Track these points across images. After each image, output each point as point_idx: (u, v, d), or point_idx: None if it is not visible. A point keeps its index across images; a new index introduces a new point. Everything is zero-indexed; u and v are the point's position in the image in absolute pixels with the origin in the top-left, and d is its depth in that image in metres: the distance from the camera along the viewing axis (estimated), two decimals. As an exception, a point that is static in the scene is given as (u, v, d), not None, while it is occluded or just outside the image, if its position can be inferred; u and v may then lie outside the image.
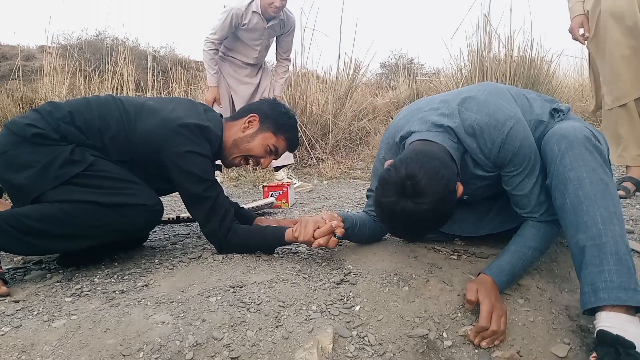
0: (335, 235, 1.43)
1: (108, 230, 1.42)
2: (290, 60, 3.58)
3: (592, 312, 1.12)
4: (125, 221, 1.42)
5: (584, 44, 2.58)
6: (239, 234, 1.54)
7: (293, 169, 4.31)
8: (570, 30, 2.56)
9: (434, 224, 1.17)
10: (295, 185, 3.21)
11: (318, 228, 1.42)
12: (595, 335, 1.09)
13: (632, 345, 1.02)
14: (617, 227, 1.15)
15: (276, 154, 1.71)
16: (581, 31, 2.51)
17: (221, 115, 1.73)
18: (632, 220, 1.93)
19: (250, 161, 1.71)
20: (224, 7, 3.16)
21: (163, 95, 6.38)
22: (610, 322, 1.07)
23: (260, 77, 3.48)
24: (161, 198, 1.54)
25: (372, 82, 8.41)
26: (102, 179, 1.41)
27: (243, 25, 3.15)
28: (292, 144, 1.74)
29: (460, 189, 1.19)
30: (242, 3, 3.11)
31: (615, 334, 1.04)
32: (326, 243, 1.41)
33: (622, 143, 2.46)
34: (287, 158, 3.30)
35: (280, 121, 1.68)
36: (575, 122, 1.35)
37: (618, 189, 2.00)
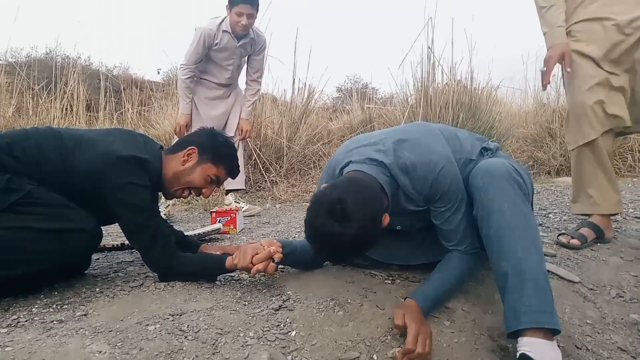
0: (274, 261, 1.48)
1: (46, 256, 1.43)
2: (259, 83, 3.56)
3: (515, 335, 1.23)
4: (63, 246, 1.44)
5: (545, 86, 2.10)
6: (180, 263, 1.57)
7: (245, 192, 4.33)
8: (546, 60, 2.04)
9: (357, 248, 1.25)
10: (243, 209, 3.23)
11: (257, 254, 1.48)
12: (517, 358, 1.19)
13: None
14: (535, 256, 1.27)
15: (218, 183, 1.77)
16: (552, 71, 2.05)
17: (161, 147, 1.77)
18: (556, 244, 2.08)
19: (192, 192, 1.75)
20: (195, 29, 3.20)
21: (115, 116, 6.29)
22: (531, 347, 1.17)
23: (233, 99, 3.51)
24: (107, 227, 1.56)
25: (328, 106, 8.57)
26: (40, 205, 1.43)
27: (215, 46, 3.19)
28: (232, 172, 1.79)
29: (386, 219, 1.28)
30: (212, 23, 3.16)
31: (535, 359, 1.15)
32: (264, 268, 1.46)
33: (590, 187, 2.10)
34: (238, 183, 3.34)
35: (219, 151, 1.74)
36: (500, 159, 1.48)
37: (573, 237, 2.05)
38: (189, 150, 1.70)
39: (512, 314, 1.23)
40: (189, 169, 1.69)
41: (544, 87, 2.11)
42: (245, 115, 3.48)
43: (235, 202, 3.42)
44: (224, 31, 3.16)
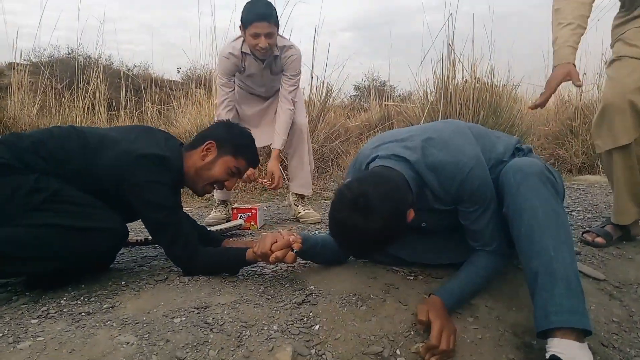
0: (293, 250, 1.49)
1: (74, 253, 1.46)
2: (291, 102, 2.78)
3: (544, 335, 1.20)
4: (91, 244, 1.47)
5: (542, 105, 1.88)
6: (203, 258, 1.60)
7: (301, 197, 4.35)
8: (549, 81, 1.84)
9: (380, 243, 1.24)
10: (299, 214, 2.93)
11: (276, 242, 1.48)
12: (547, 358, 1.16)
13: None
14: (568, 255, 1.24)
15: (239, 175, 1.78)
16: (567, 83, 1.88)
17: (181, 144, 1.79)
18: (580, 242, 2.05)
19: (216, 186, 1.77)
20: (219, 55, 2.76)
21: (135, 115, 6.37)
22: (562, 348, 1.15)
23: (272, 98, 2.95)
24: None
25: (346, 104, 8.57)
26: (68, 204, 1.46)
27: (243, 71, 2.73)
28: (253, 162, 1.82)
29: (411, 215, 1.27)
30: (234, 47, 2.66)
31: None
32: (283, 256, 1.46)
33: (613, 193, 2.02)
34: (303, 187, 2.95)
35: (237, 142, 1.76)
36: (533, 158, 1.46)
37: (598, 235, 2.01)
38: (207, 144, 1.72)
39: (542, 314, 1.20)
40: (209, 163, 1.72)
41: (534, 107, 1.90)
42: (276, 145, 2.76)
43: (294, 204, 3.00)
44: (245, 53, 2.66)
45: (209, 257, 1.62)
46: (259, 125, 2.92)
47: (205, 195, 1.85)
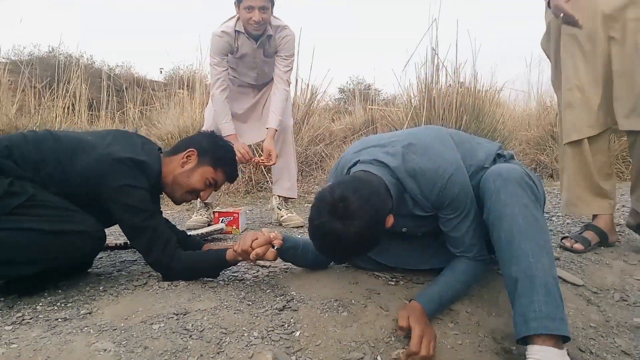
0: (273, 247, 1.48)
1: (50, 257, 1.44)
2: (286, 82, 2.79)
3: (524, 342, 1.20)
4: (68, 248, 1.45)
5: (580, 26, 1.90)
6: (182, 261, 1.58)
7: (246, 193, 4.33)
8: (557, 7, 1.89)
9: (359, 247, 1.25)
10: (282, 218, 2.88)
11: (256, 239, 1.47)
12: None
13: None
14: (547, 261, 1.25)
15: (215, 187, 1.78)
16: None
17: (160, 149, 1.78)
18: (559, 247, 2.08)
19: (192, 195, 1.77)
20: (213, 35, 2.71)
21: (117, 115, 6.30)
22: (541, 355, 1.15)
23: (261, 92, 2.94)
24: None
25: (331, 107, 8.58)
26: (44, 208, 1.43)
27: (236, 52, 2.70)
28: (231, 177, 1.82)
29: (390, 220, 1.28)
30: (227, 25, 2.65)
31: None
32: (264, 253, 1.45)
33: (576, 186, 2.07)
34: (290, 191, 2.94)
35: (218, 155, 1.76)
36: (512, 164, 1.47)
37: (576, 242, 2.04)
38: (188, 152, 1.72)
39: (521, 320, 1.21)
40: (188, 171, 1.71)
41: (579, 25, 1.91)
42: (272, 124, 2.72)
43: (277, 207, 2.95)
44: (239, 32, 2.65)
45: (189, 260, 1.60)
46: (247, 121, 2.91)
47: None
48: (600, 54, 1.95)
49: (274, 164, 2.72)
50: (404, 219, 1.46)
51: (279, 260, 1.80)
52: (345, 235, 1.18)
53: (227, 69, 2.73)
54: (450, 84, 4.23)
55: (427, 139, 1.45)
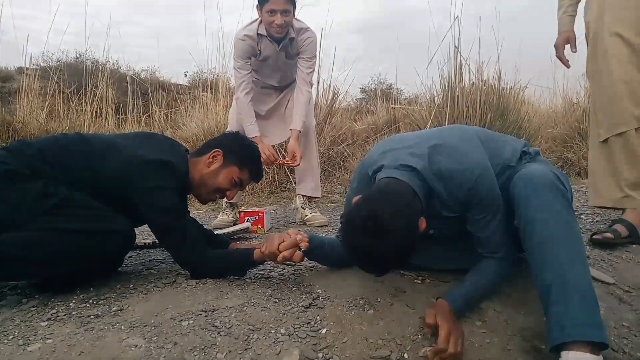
0: (300, 249, 1.49)
1: (83, 256, 1.48)
2: (308, 84, 2.81)
3: (557, 349, 1.17)
4: (101, 247, 1.49)
5: (567, 66, 2.37)
6: (210, 260, 1.61)
7: (270, 193, 4.36)
8: (556, 47, 2.34)
9: (397, 259, 1.24)
10: (306, 217, 2.87)
11: (283, 242, 1.48)
12: None
13: None
14: (581, 266, 1.23)
15: (241, 186, 1.81)
16: (566, 50, 2.30)
17: (187, 151, 1.82)
18: (588, 245, 2.03)
19: (218, 195, 1.80)
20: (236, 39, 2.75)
21: (143, 118, 6.42)
22: None
23: (284, 93, 2.95)
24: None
25: (352, 107, 8.57)
26: (78, 208, 1.48)
27: (259, 55, 2.71)
28: (256, 176, 1.84)
29: (423, 224, 1.26)
30: (250, 29, 2.67)
31: None
32: (291, 255, 1.46)
33: (620, 180, 1.99)
34: (314, 190, 2.94)
35: (243, 154, 1.78)
36: (541, 165, 1.44)
37: (606, 232, 2.04)
38: (213, 152, 1.74)
39: (557, 327, 1.18)
40: (214, 171, 1.73)
41: (567, 66, 2.37)
42: (296, 126, 2.73)
43: (301, 207, 2.94)
44: (261, 35, 2.66)
45: (217, 259, 1.63)
46: (270, 121, 2.92)
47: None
48: None
49: (298, 165, 2.73)
50: (432, 221, 1.43)
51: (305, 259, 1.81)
52: (381, 251, 1.17)
53: (250, 72, 2.75)
54: (473, 82, 4.18)
55: (453, 139, 1.44)
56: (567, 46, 2.32)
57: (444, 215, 1.43)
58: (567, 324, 1.16)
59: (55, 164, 1.53)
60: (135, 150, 1.61)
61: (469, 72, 4.17)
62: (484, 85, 4.11)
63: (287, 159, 2.75)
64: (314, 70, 2.84)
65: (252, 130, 2.69)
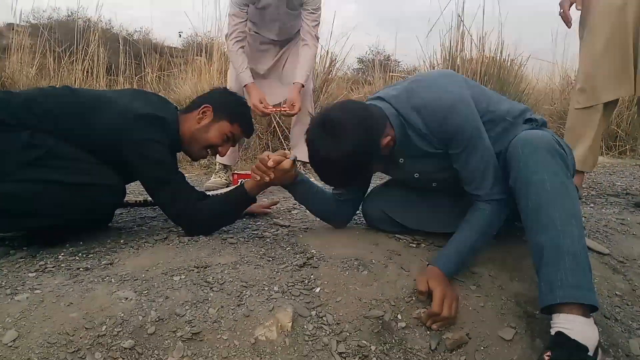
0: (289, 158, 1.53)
1: (71, 209, 1.44)
2: (314, 37, 2.69)
3: (549, 310, 1.16)
4: (89, 200, 1.45)
5: (569, 25, 2.40)
6: (206, 207, 1.60)
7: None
8: (560, 5, 2.37)
9: (352, 167, 1.27)
10: None
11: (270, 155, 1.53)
12: (553, 335, 1.12)
13: (585, 349, 1.07)
14: (575, 229, 1.19)
15: (233, 141, 1.78)
16: (572, 9, 2.34)
17: (176, 108, 1.78)
18: (584, 217, 2.03)
19: (209, 151, 1.77)
20: None
21: (135, 80, 6.29)
22: (567, 324, 1.11)
23: (283, 50, 2.85)
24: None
25: (349, 77, 8.44)
26: (65, 159, 1.43)
27: (257, 2, 2.58)
28: (248, 130, 1.81)
29: (386, 141, 1.30)
30: None
31: (572, 337, 1.08)
32: (280, 161, 1.51)
33: (582, 145, 2.32)
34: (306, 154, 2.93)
35: (233, 109, 1.76)
36: (543, 131, 1.39)
37: None
38: (203, 108, 1.71)
39: (547, 288, 1.16)
40: (204, 126, 1.70)
41: (569, 25, 2.40)
42: (300, 79, 2.64)
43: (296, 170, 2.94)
44: None
45: (211, 205, 1.62)
46: (268, 80, 2.84)
47: (203, 161, 1.84)
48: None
49: (295, 114, 2.65)
50: (415, 162, 1.43)
51: (298, 219, 1.80)
52: (336, 154, 1.22)
53: (245, 21, 2.64)
54: (474, 53, 4.11)
55: (433, 75, 1.45)
56: (573, 6, 2.37)
57: (426, 150, 1.38)
58: (557, 286, 1.14)
59: (42, 115, 1.47)
60: (128, 104, 1.57)
61: (471, 42, 4.10)
62: (486, 57, 4.04)
63: (285, 107, 2.65)
64: (319, 23, 2.72)
65: (244, 77, 2.61)
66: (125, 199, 2.04)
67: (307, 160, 2.81)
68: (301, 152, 2.84)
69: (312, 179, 1.80)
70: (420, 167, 1.44)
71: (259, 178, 1.54)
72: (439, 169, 1.44)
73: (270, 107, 2.64)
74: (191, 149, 1.74)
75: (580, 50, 2.38)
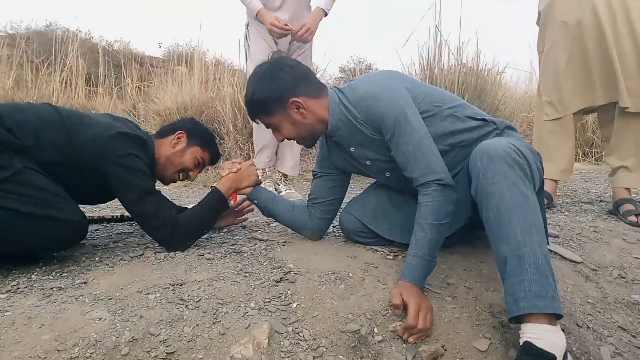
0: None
1: (27, 239, 1.40)
2: None
3: (517, 320, 1.18)
4: (45, 234, 1.41)
5: None
6: (185, 218, 1.64)
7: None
8: None
9: (251, 106, 1.54)
10: (282, 193, 2.80)
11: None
12: (521, 345, 1.13)
13: (553, 357, 1.09)
14: (536, 238, 1.20)
15: (203, 166, 1.86)
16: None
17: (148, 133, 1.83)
18: (559, 225, 2.07)
19: (181, 175, 1.82)
20: None
21: (115, 91, 6.24)
22: (535, 333, 1.12)
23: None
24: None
25: (331, 86, 8.48)
26: (28, 187, 1.38)
27: None
28: (215, 158, 1.92)
29: (297, 102, 1.48)
30: None
31: (539, 347, 1.10)
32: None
33: (550, 156, 2.40)
34: (293, 169, 2.92)
35: (205, 137, 1.86)
36: (502, 139, 1.40)
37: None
38: (178, 134, 1.79)
39: (512, 299, 1.18)
40: (179, 151, 1.77)
41: None
42: (322, 4, 2.57)
43: (276, 183, 2.90)
44: None
45: (188, 214, 1.67)
46: (282, 8, 2.71)
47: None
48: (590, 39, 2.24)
49: (309, 41, 2.60)
50: (363, 149, 1.53)
51: (277, 233, 1.81)
52: (248, 93, 1.52)
53: None
54: (452, 63, 4.16)
55: (377, 73, 1.59)
56: None
57: (371, 137, 1.48)
58: (521, 297, 1.16)
59: (16, 128, 1.43)
60: (110, 122, 1.61)
61: (449, 53, 4.15)
62: (463, 67, 4.10)
63: (301, 29, 2.57)
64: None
65: (255, 5, 2.57)
66: (102, 215, 2.02)
67: (289, 174, 2.86)
68: (283, 165, 2.86)
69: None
70: (369, 154, 1.54)
71: (227, 173, 1.73)
72: (387, 157, 1.49)
73: (287, 25, 2.55)
74: (165, 172, 1.78)
75: (542, 64, 2.49)
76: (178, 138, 1.78)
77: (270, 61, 1.55)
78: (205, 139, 1.84)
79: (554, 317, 1.16)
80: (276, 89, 1.48)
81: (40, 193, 1.40)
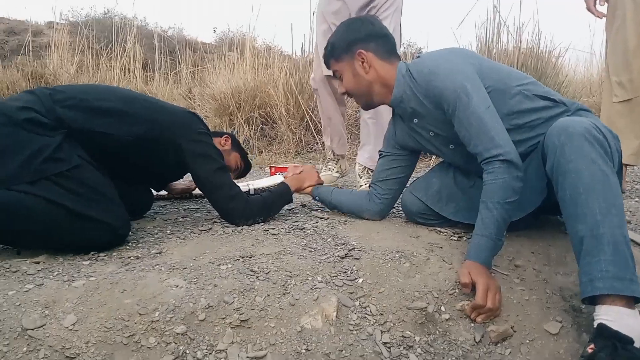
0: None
1: (62, 236, 1.40)
2: None
3: (592, 302, 1.13)
4: (83, 234, 1.41)
5: (600, 17, 2.38)
6: (256, 197, 1.75)
7: (297, 153, 4.35)
8: (585, 0, 2.37)
9: (328, 49, 1.62)
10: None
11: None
12: (595, 327, 1.09)
13: (630, 341, 1.04)
14: (616, 218, 1.14)
15: (236, 172, 2.03)
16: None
17: None
18: (630, 211, 1.98)
19: None
20: None
21: (170, 75, 6.41)
22: (611, 315, 1.08)
23: None
24: None
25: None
26: (79, 184, 1.39)
27: None
28: (247, 169, 2.12)
29: (362, 55, 1.53)
30: None
31: (614, 329, 1.05)
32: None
33: (626, 138, 2.21)
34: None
35: (243, 149, 2.06)
36: (580, 117, 1.34)
37: None
38: (225, 137, 1.96)
39: (587, 279, 1.13)
40: (226, 151, 1.92)
41: (598, 16, 2.38)
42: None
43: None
44: None
45: (259, 197, 1.76)
46: None
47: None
48: None
49: None
50: (427, 120, 1.53)
51: (337, 213, 1.82)
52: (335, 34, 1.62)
53: None
54: (512, 44, 4.02)
55: (442, 50, 1.55)
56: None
57: (432, 110, 1.48)
58: (597, 277, 1.11)
59: (87, 109, 1.47)
60: (173, 105, 1.71)
61: (507, 34, 4.01)
62: (522, 48, 3.95)
63: None
64: None
65: None
66: (169, 193, 2.11)
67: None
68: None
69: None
70: (432, 126, 1.54)
71: (291, 174, 1.92)
72: (450, 133, 1.47)
73: None
74: None
75: (610, 43, 2.37)
76: (225, 140, 1.95)
77: (358, 15, 1.71)
78: (243, 150, 2.05)
79: (632, 301, 1.10)
80: (349, 36, 1.55)
81: (90, 192, 1.41)
